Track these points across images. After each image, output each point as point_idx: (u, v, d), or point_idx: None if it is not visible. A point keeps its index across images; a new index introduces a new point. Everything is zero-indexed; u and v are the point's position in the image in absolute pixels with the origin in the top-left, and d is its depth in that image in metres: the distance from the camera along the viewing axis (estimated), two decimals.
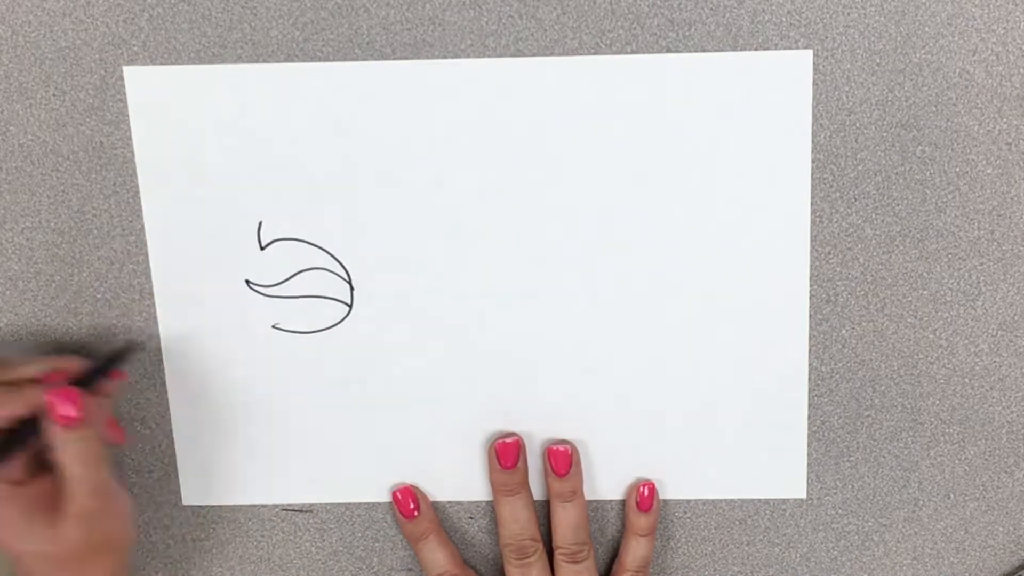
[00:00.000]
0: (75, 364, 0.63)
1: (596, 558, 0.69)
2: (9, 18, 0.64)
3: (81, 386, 0.61)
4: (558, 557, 0.68)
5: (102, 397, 0.63)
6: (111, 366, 0.64)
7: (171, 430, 0.69)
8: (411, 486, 0.70)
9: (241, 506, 0.71)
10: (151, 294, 0.67)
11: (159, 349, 0.68)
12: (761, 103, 0.63)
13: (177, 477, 0.70)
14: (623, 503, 0.70)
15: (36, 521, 0.60)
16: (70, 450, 0.60)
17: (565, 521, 0.68)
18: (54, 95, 0.65)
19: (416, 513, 0.69)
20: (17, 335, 0.68)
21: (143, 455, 0.70)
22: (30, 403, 0.60)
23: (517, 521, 0.68)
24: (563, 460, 0.68)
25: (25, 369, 0.62)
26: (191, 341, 0.68)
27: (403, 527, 0.70)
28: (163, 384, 0.69)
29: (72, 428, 0.59)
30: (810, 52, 0.63)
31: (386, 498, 0.70)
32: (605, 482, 0.70)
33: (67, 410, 0.59)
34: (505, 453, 0.68)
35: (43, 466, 0.62)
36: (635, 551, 0.69)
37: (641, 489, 0.69)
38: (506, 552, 0.69)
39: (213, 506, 0.71)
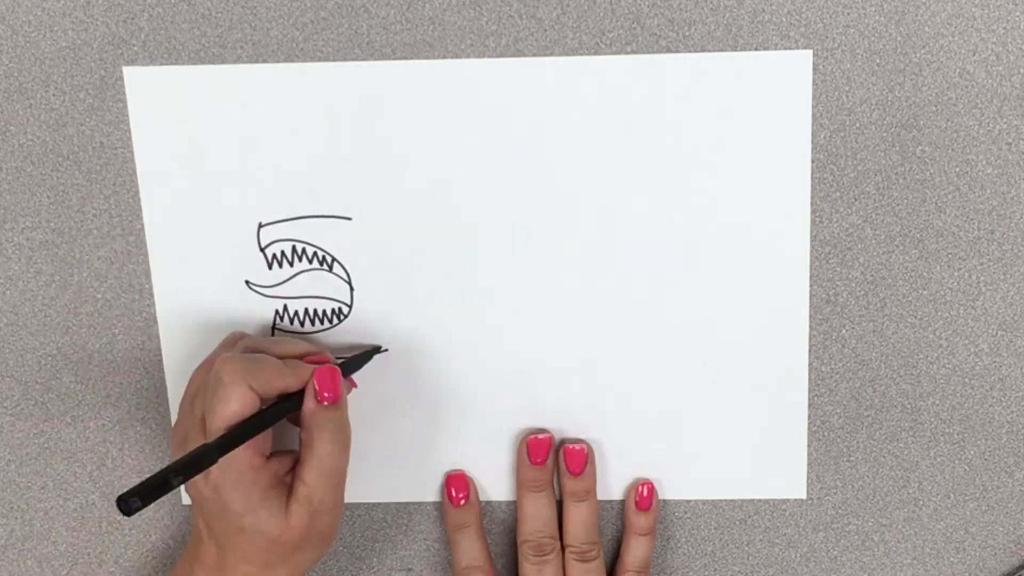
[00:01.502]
0: (329, 356, 0.64)
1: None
2: (9, 18, 0.64)
3: None
4: (568, 556, 0.68)
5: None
6: (357, 366, 0.66)
7: (171, 430, 0.69)
8: (464, 473, 0.70)
9: None
10: (151, 294, 0.67)
11: (159, 349, 0.68)
12: (761, 103, 0.63)
13: None
14: (623, 503, 0.70)
15: (271, 498, 0.60)
16: (323, 428, 0.61)
17: (578, 520, 0.68)
18: (54, 95, 0.65)
19: (464, 502, 0.69)
20: (17, 335, 0.68)
21: (143, 455, 0.70)
22: (301, 379, 0.61)
23: (540, 517, 0.68)
24: (579, 459, 0.68)
25: (292, 348, 0.63)
26: (191, 341, 0.68)
27: (447, 513, 0.70)
28: (163, 384, 0.69)
29: (330, 407, 0.61)
30: (810, 52, 0.63)
31: (385, 498, 0.70)
32: (605, 482, 0.70)
33: (331, 388, 0.61)
34: (537, 449, 0.68)
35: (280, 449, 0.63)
36: (635, 551, 0.69)
37: (640, 489, 0.69)
38: (524, 548, 0.68)
39: None
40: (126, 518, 0.71)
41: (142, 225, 0.66)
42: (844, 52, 0.63)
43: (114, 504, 0.71)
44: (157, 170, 0.65)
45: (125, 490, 0.53)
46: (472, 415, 0.69)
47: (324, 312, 0.67)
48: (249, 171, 0.65)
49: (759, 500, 0.70)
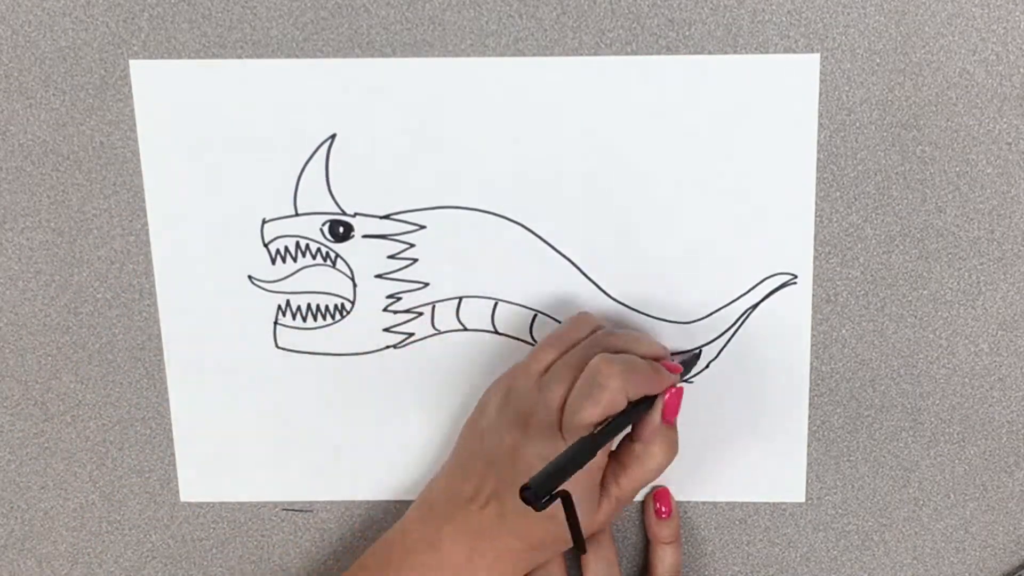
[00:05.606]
0: (679, 367, 0.64)
1: (621, 569, 0.68)
2: (10, 17, 0.64)
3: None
4: None
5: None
6: (687, 371, 0.66)
7: (171, 429, 0.69)
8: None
9: (241, 505, 0.71)
10: (152, 294, 0.67)
11: (159, 349, 0.68)
12: (767, 106, 0.63)
13: (176, 476, 0.70)
14: (639, 508, 0.70)
15: (592, 496, 0.61)
16: (661, 445, 0.62)
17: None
18: (54, 95, 0.65)
19: None
20: (17, 335, 0.68)
21: (143, 455, 0.70)
22: (663, 388, 0.62)
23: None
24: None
25: (650, 349, 0.63)
26: (192, 337, 0.68)
27: None
28: (163, 382, 0.69)
29: (670, 425, 0.63)
30: (817, 56, 0.63)
31: (385, 496, 0.70)
32: None
33: (676, 410, 0.63)
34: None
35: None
36: (664, 561, 0.68)
37: (657, 497, 0.68)
38: None
39: (213, 504, 0.71)
40: (128, 519, 0.71)
41: (142, 225, 0.66)
42: (844, 52, 0.63)
43: (114, 504, 0.71)
44: (161, 164, 0.65)
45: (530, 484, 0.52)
46: (469, 413, 0.69)
47: (327, 307, 0.67)
48: (253, 166, 0.65)
49: (759, 501, 0.70)
